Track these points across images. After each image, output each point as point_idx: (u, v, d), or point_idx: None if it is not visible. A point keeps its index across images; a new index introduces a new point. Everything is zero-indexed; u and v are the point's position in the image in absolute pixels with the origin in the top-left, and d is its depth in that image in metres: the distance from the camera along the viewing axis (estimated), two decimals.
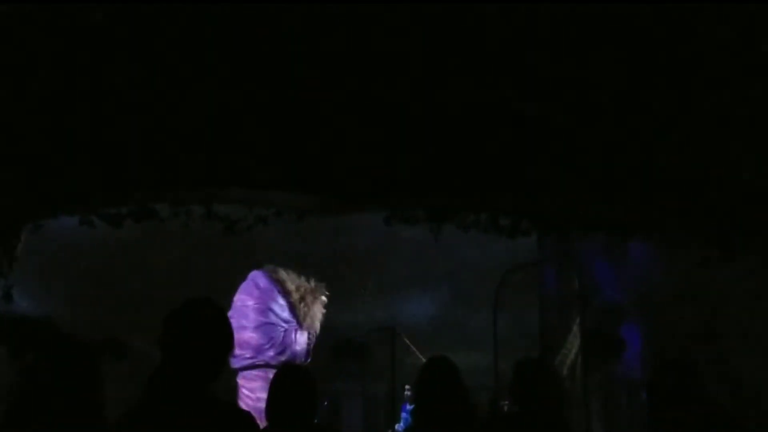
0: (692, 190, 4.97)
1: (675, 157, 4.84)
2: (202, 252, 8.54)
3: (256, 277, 8.04)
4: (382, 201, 5.15)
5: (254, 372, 7.08)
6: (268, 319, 7.53)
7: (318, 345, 8.24)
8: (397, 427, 7.55)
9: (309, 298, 7.95)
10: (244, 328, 7.04)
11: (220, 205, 5.16)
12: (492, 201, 5.29)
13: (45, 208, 4.84)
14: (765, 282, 6.04)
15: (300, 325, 7.74)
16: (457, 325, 9.72)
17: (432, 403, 3.18)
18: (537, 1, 3.82)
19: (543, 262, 8.60)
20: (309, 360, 7.83)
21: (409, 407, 7.14)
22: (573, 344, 8.27)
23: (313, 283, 8.03)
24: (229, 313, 5.76)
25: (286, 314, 7.77)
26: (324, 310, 8.04)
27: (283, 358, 7.39)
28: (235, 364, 6.76)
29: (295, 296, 7.84)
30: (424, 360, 4.25)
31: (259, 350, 7.15)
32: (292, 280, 8.00)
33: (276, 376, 3.22)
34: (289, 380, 3.12)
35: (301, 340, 7.61)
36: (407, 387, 7.25)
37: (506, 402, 6.09)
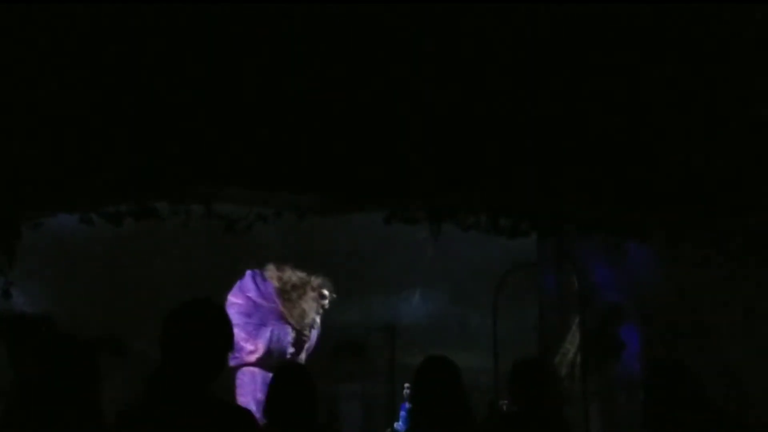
0: (691, 191, 4.97)
1: (674, 158, 4.84)
2: (202, 250, 8.54)
3: (247, 277, 8.08)
4: (382, 201, 5.16)
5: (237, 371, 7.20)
6: (251, 319, 7.59)
7: (317, 344, 8.24)
8: (396, 426, 7.55)
9: (296, 293, 7.92)
10: None
11: (220, 204, 5.17)
12: (492, 201, 5.29)
13: (44, 206, 4.84)
14: (763, 283, 6.04)
15: (288, 320, 7.75)
16: (456, 324, 9.72)
17: (430, 403, 3.18)
18: (537, 1, 3.82)
19: (542, 263, 8.60)
20: (302, 356, 7.81)
21: (408, 406, 7.14)
22: (572, 344, 8.26)
23: (314, 279, 8.03)
24: None
25: (270, 313, 7.79)
26: (322, 303, 8.01)
27: (263, 357, 7.42)
28: None
29: (282, 292, 7.86)
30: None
31: (239, 350, 7.26)
32: (283, 277, 8.00)
33: (275, 375, 3.22)
34: (289, 379, 3.11)
35: (282, 337, 7.61)
36: (407, 386, 7.25)
37: (505, 402, 6.09)
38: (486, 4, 3.79)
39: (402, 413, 7.48)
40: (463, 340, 9.55)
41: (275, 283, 7.99)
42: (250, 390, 7.40)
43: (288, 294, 7.94)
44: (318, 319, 8.03)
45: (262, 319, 7.71)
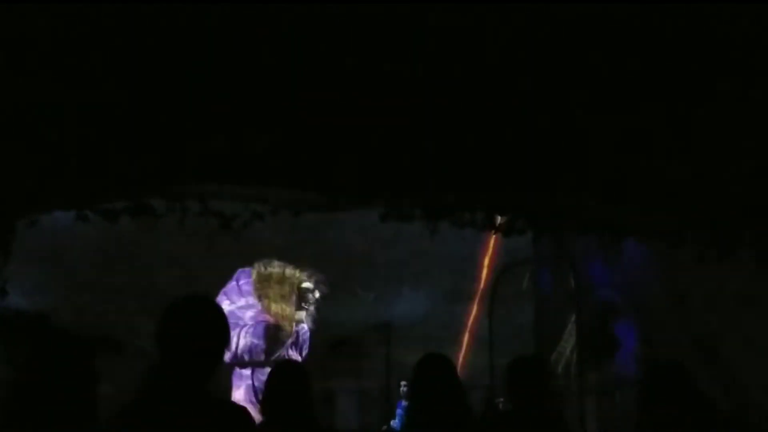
0: (688, 191, 4.98)
1: (670, 158, 4.85)
2: (198, 248, 8.54)
3: (234, 276, 8.10)
4: (379, 198, 5.15)
5: None
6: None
7: (313, 342, 8.23)
8: (392, 423, 7.56)
9: (272, 290, 7.87)
10: None
11: (216, 201, 5.16)
12: (488, 199, 5.29)
13: (40, 203, 4.82)
14: (758, 281, 6.06)
15: (267, 316, 7.75)
16: (452, 322, 9.73)
17: (427, 400, 3.18)
18: (535, 1, 3.82)
19: (538, 261, 8.62)
20: (290, 352, 7.77)
21: (404, 404, 7.14)
22: (568, 342, 8.29)
23: (298, 274, 8.00)
24: None
25: (249, 310, 7.78)
26: (308, 298, 7.96)
27: (236, 355, 7.43)
28: None
29: (257, 286, 7.86)
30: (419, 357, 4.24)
31: None
32: (263, 273, 7.99)
33: (272, 372, 3.22)
34: (285, 376, 3.12)
35: (255, 334, 7.59)
36: (403, 383, 7.26)
37: (501, 400, 6.10)
38: (486, 4, 3.79)
39: (398, 411, 7.49)
40: (459, 338, 9.57)
41: (254, 280, 7.99)
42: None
43: (266, 290, 7.93)
44: (304, 315, 7.95)
45: (237, 319, 7.69)
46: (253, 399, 7.49)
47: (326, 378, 8.00)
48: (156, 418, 2.08)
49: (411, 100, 4.38)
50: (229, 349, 7.44)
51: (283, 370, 3.22)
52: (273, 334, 7.76)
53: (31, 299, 6.75)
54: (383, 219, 5.41)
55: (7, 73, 4.02)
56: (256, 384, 7.60)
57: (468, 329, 9.76)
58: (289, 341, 7.83)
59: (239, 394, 7.68)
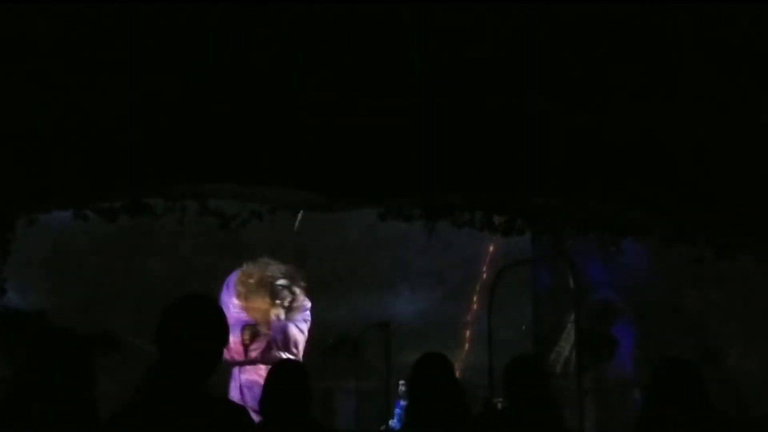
0: (687, 190, 4.99)
1: (669, 158, 4.85)
2: (195, 247, 8.54)
3: (228, 277, 8.14)
4: (378, 198, 5.16)
5: None
6: None
7: (312, 341, 8.25)
8: (390, 422, 7.55)
9: (249, 289, 7.91)
10: None
11: (215, 200, 5.16)
12: (487, 199, 5.30)
13: (39, 202, 4.82)
14: (756, 280, 6.07)
15: (249, 317, 7.79)
16: (451, 322, 9.73)
17: (427, 400, 3.18)
18: (535, 1, 3.82)
19: (537, 261, 8.62)
20: (276, 352, 7.80)
21: (402, 403, 7.15)
22: (567, 342, 8.29)
23: (272, 270, 8.05)
24: None
25: (232, 311, 7.81)
26: (284, 295, 8.01)
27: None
28: None
29: (238, 286, 7.90)
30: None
31: None
32: (245, 273, 8.02)
33: (270, 371, 3.22)
34: (284, 376, 3.11)
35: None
36: (402, 383, 7.26)
37: (499, 399, 6.10)
38: (486, 4, 3.79)
39: (397, 410, 7.48)
40: (458, 338, 9.57)
41: (237, 280, 8.07)
42: None
43: (244, 289, 7.99)
44: (280, 311, 8.03)
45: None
46: (239, 397, 7.61)
47: (325, 377, 7.99)
48: (155, 417, 2.08)
49: (411, 100, 4.38)
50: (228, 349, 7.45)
51: (281, 370, 3.21)
52: (250, 332, 7.89)
53: (30, 298, 6.74)
54: (383, 219, 5.42)
55: (8, 73, 4.02)
56: (242, 382, 7.76)
57: (467, 329, 9.77)
58: (279, 339, 7.94)
59: (236, 394, 7.75)
